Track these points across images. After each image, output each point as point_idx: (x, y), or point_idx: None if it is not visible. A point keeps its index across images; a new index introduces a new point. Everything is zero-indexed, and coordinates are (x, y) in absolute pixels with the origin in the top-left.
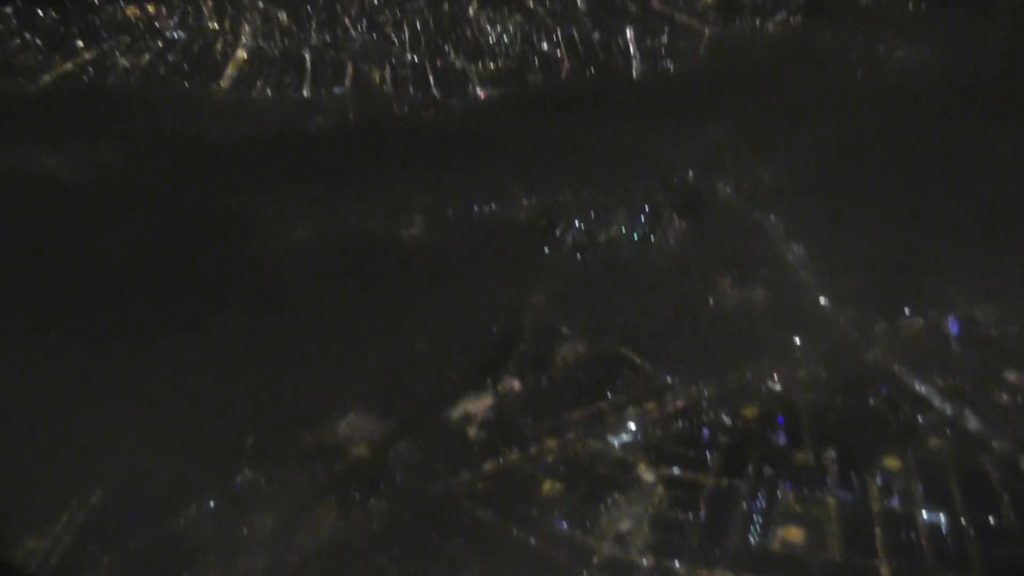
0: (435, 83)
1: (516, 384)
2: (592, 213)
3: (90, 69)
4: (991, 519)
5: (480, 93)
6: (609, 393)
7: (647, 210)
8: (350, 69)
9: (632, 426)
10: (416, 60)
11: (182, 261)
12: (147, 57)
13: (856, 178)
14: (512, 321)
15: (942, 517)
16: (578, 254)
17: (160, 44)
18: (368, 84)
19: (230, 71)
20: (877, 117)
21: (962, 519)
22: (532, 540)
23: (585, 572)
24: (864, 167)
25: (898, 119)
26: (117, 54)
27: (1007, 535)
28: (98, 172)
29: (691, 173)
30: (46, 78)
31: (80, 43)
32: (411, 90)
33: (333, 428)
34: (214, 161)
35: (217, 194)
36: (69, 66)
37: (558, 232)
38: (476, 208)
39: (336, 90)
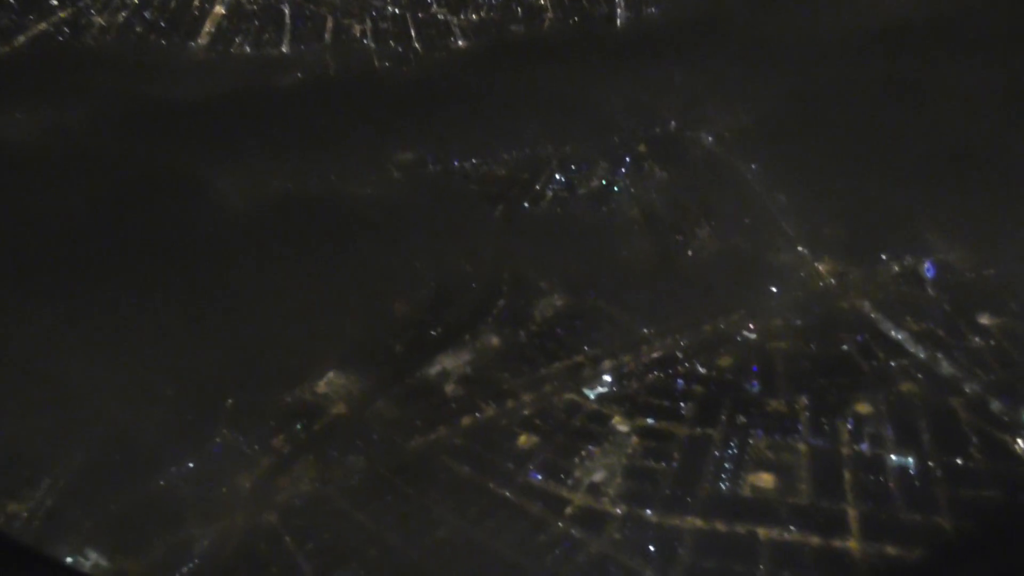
0: (417, 36)
1: (494, 340)
2: (572, 166)
3: (65, 29)
4: (959, 461)
5: (462, 44)
6: (586, 346)
7: (628, 162)
8: (330, 23)
9: (608, 378)
10: (397, 12)
11: (145, 222)
12: (123, 15)
13: (834, 125)
14: (491, 277)
15: (911, 460)
16: (558, 208)
17: (137, 1)
18: (349, 38)
19: (208, 27)
20: (853, 61)
21: (930, 462)
22: (507, 493)
23: (558, 522)
24: (843, 113)
25: (872, 62)
26: (93, 12)
27: (974, 476)
28: (56, 134)
29: (673, 123)
30: (20, 39)
31: (55, 1)
32: (392, 44)
33: (312, 388)
34: (180, 120)
35: (180, 153)
36: (44, 26)
37: (538, 186)
38: (456, 163)
39: (316, 46)
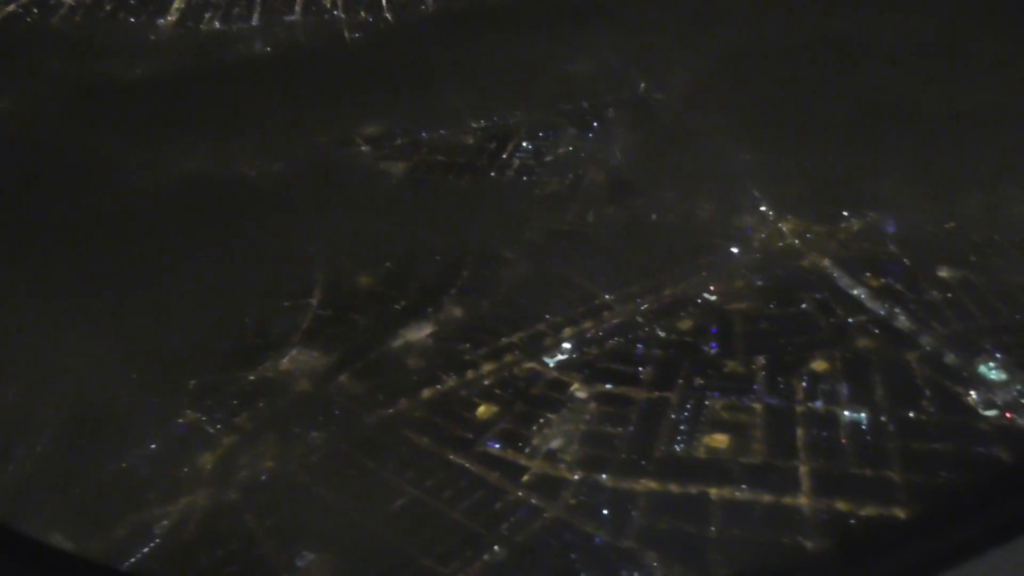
0: (387, 5)
1: (458, 311)
2: (540, 133)
3: (35, 10)
4: (911, 415)
5: (432, 10)
6: (548, 315)
7: (596, 127)
8: None
9: (567, 346)
10: None
11: (88, 200)
12: None
13: (796, 82)
14: (456, 248)
15: (863, 415)
16: (524, 176)
17: None
18: (319, 9)
19: (178, 3)
20: (811, 13)
21: (883, 416)
22: (466, 462)
23: (515, 490)
24: (804, 69)
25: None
26: None
27: (925, 429)
28: None
29: (642, 85)
30: None
31: None
32: (363, 14)
33: (276, 365)
34: (125, 102)
35: (114, 134)
36: (12, 8)
37: (505, 155)
38: (424, 134)
39: (286, 18)
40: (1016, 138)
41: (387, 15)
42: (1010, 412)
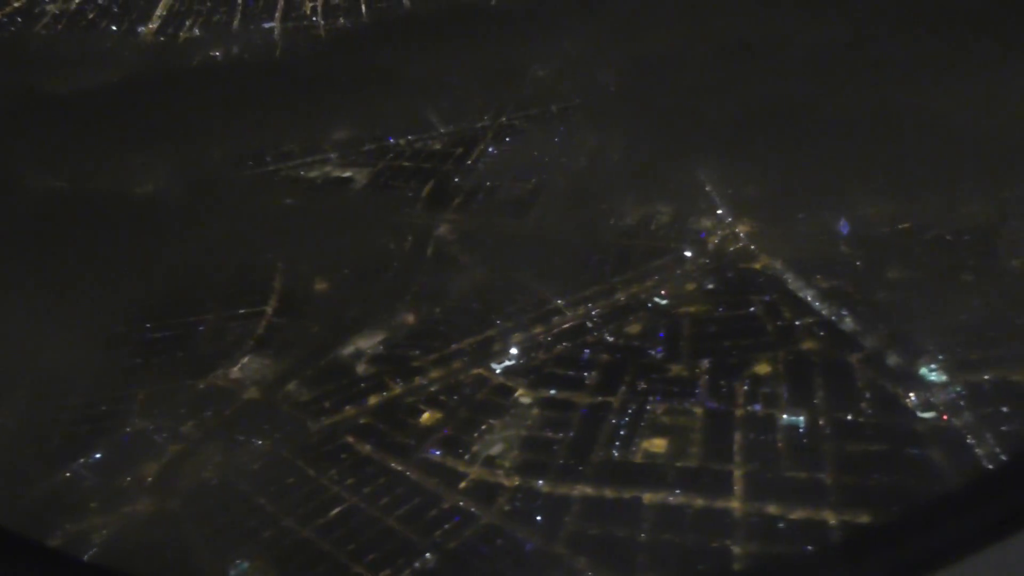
0: (366, 11)
1: (410, 317)
2: (507, 138)
3: (18, 19)
4: (849, 417)
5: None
6: (499, 320)
7: (563, 131)
8: (282, 2)
9: (515, 351)
10: None
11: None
12: (77, 2)
13: (754, 84)
14: (413, 254)
15: (801, 419)
16: (488, 181)
17: None
18: (298, 15)
19: (159, 11)
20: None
21: (821, 419)
22: (406, 469)
23: (452, 497)
24: (757, 70)
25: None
26: (47, 1)
27: (861, 431)
28: None
29: (612, 88)
30: None
31: None
32: (342, 20)
33: (226, 373)
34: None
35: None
36: None
37: (470, 160)
38: (392, 140)
39: (265, 24)
40: (941, 140)
41: (365, 20)
42: (947, 414)
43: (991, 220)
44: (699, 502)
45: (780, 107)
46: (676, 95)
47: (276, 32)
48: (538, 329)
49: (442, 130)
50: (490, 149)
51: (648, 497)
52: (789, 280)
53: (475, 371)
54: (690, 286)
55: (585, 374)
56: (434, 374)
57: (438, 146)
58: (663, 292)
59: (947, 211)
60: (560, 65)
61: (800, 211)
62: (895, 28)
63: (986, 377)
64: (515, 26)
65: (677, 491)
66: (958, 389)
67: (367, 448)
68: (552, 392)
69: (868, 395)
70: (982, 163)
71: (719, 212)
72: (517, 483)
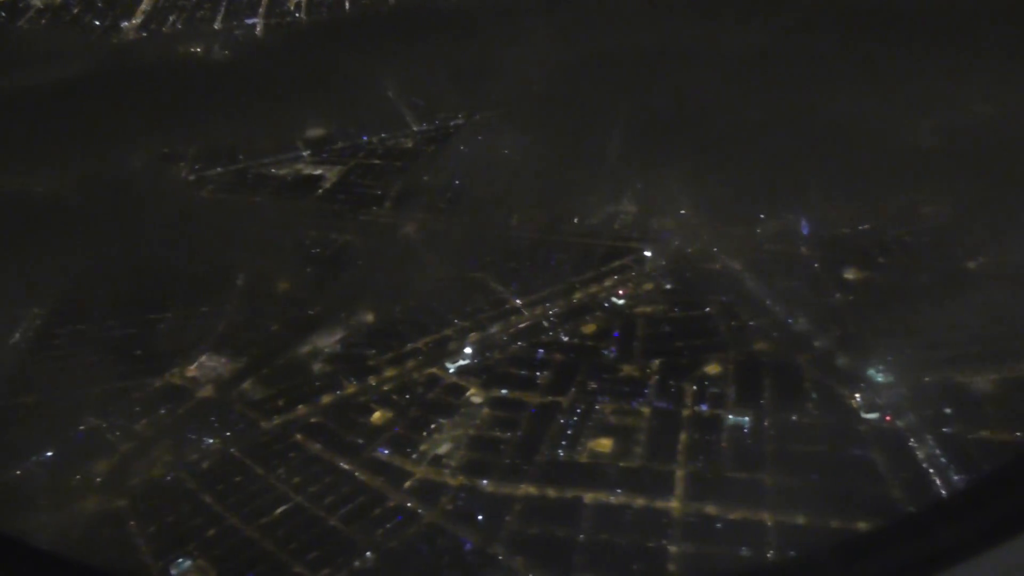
0: (349, 7)
1: (370, 316)
2: (480, 136)
3: (3, 13)
4: (794, 417)
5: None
6: (457, 319)
7: (534, 129)
8: None
9: (469, 351)
10: None
11: None
12: None
13: (715, 85)
14: (378, 252)
15: (746, 419)
16: (457, 180)
17: None
18: (282, 12)
19: (144, 6)
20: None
21: (766, 419)
22: (353, 468)
23: (396, 495)
24: (723, 73)
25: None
26: None
27: (805, 431)
28: None
29: (575, 88)
30: None
31: None
32: (324, 17)
33: (183, 371)
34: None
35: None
36: None
37: (441, 159)
38: (365, 138)
39: (248, 20)
40: (901, 145)
41: (348, 18)
42: (890, 415)
43: (950, 223)
44: (640, 502)
45: (711, 110)
46: (638, 97)
47: (258, 28)
48: (495, 328)
49: (415, 128)
50: (462, 147)
51: (590, 497)
52: (747, 281)
53: (429, 370)
54: (648, 286)
55: (538, 374)
56: (389, 373)
57: (410, 144)
58: (621, 292)
59: (907, 213)
60: (529, 63)
61: (760, 211)
62: (838, 35)
63: (930, 379)
64: (489, 26)
65: (618, 491)
66: (904, 390)
67: (317, 447)
68: (504, 392)
69: (815, 396)
70: (941, 167)
71: (682, 212)
72: (462, 482)
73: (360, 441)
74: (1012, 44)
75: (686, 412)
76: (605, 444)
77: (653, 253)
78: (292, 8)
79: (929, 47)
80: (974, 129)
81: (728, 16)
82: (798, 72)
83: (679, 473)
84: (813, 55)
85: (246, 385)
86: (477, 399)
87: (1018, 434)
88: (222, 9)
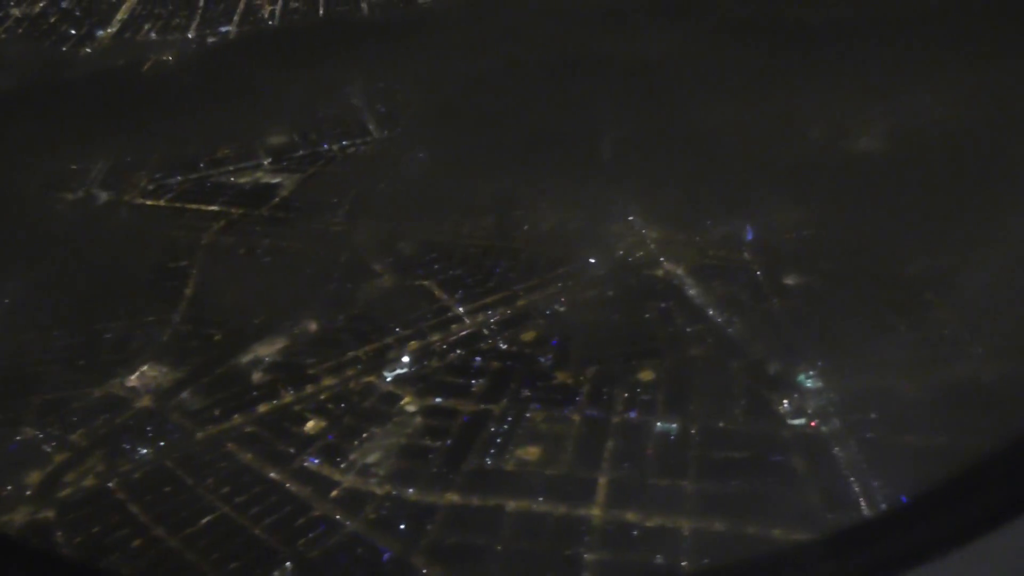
0: (323, 13)
1: (313, 325)
2: (441, 144)
3: None
4: (721, 424)
5: (364, 9)
6: (399, 328)
7: (488, 131)
8: (242, 5)
9: (406, 359)
10: None
11: None
12: (41, 5)
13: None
14: (325, 261)
15: (674, 426)
16: (411, 187)
17: None
18: (256, 19)
19: (120, 15)
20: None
21: (692, 426)
22: (282, 478)
23: (321, 505)
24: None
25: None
26: (11, 4)
27: (730, 438)
28: None
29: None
30: None
31: None
32: (296, 24)
33: (123, 382)
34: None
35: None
36: None
37: (399, 166)
38: (326, 146)
39: (222, 28)
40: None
41: (320, 24)
42: (816, 421)
43: (894, 228)
44: (561, 510)
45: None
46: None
47: (231, 36)
48: (435, 337)
49: (376, 135)
50: (420, 155)
51: (512, 505)
52: (688, 287)
53: (366, 379)
54: (590, 292)
55: (473, 382)
56: (327, 382)
57: (370, 151)
58: (563, 299)
59: (850, 218)
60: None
61: (708, 218)
62: (779, 37)
63: (858, 385)
64: (459, 31)
65: (541, 499)
66: (832, 396)
67: (248, 456)
68: (438, 400)
69: (743, 402)
70: (882, 172)
71: (630, 218)
72: (388, 491)
73: (292, 450)
74: (962, 44)
75: (616, 419)
76: (533, 452)
77: (597, 260)
78: (266, 16)
79: (875, 48)
80: (917, 134)
81: (654, 23)
82: (734, 77)
83: (602, 480)
84: (750, 59)
85: (185, 395)
86: (411, 408)
87: (943, 439)
88: (197, 17)
